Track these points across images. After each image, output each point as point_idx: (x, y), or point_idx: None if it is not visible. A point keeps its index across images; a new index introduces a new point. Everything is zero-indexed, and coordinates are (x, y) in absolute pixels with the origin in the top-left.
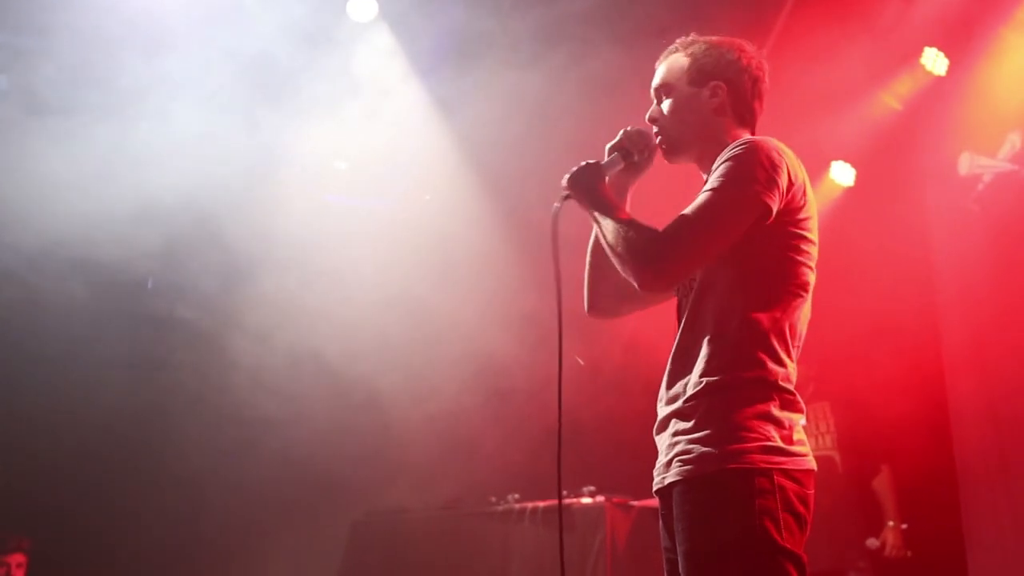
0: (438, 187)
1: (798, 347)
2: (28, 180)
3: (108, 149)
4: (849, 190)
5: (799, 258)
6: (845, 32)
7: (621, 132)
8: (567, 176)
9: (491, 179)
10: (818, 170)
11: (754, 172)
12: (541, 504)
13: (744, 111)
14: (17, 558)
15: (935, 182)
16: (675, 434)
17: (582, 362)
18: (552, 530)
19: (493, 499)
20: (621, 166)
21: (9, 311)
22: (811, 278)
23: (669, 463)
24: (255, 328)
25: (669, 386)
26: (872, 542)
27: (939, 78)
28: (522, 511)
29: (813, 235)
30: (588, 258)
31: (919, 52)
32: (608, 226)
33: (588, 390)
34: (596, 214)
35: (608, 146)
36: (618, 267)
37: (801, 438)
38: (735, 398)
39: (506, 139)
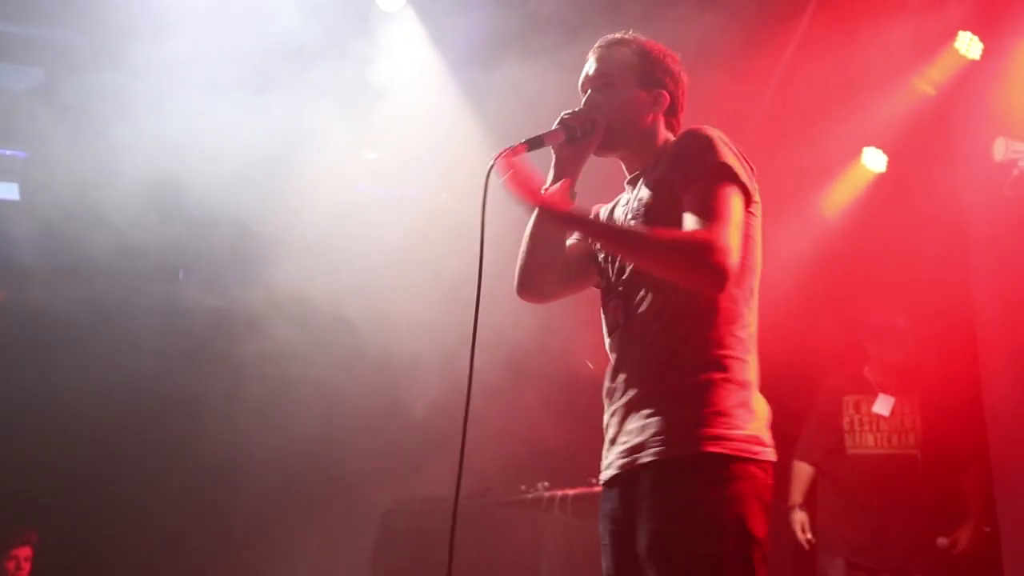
0: (468, 176)
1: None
2: (56, 170)
3: (136, 139)
4: (881, 176)
5: (757, 238)
6: (877, 17)
7: (568, 111)
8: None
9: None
10: (850, 156)
11: (737, 161)
12: (571, 492)
13: (673, 122)
14: (25, 551)
15: (969, 168)
16: (648, 415)
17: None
18: (583, 518)
19: (523, 487)
20: (562, 139)
21: (36, 303)
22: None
23: (640, 446)
24: (286, 317)
25: (636, 369)
26: (942, 541)
27: (973, 62)
28: (552, 499)
29: (759, 216)
30: (528, 243)
31: (953, 36)
32: (630, 240)
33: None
34: (603, 235)
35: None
36: (668, 277)
37: (766, 432)
38: (715, 382)
39: (535, 128)
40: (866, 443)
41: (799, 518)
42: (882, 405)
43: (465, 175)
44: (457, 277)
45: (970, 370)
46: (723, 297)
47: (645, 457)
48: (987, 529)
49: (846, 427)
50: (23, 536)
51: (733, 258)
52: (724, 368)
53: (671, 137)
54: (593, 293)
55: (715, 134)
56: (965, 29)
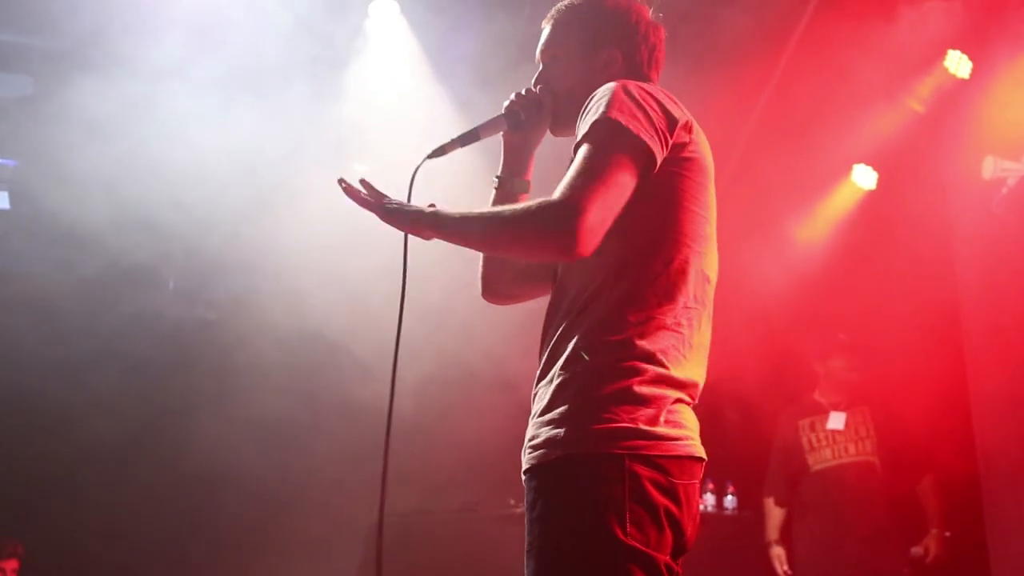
0: (457, 192)
1: (695, 309)
2: (45, 179)
3: (126, 149)
4: (871, 194)
5: (687, 204)
6: (867, 34)
7: (512, 94)
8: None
9: None
10: (840, 173)
11: (634, 113)
12: None
13: None
14: (12, 564)
15: (958, 186)
16: (533, 415)
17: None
18: None
19: (512, 501)
20: (503, 127)
21: (23, 311)
22: (706, 229)
23: (525, 449)
24: (273, 328)
25: (539, 361)
26: (916, 550)
27: (962, 81)
28: None
29: (701, 176)
30: None
31: (942, 55)
32: (480, 226)
33: None
34: (454, 230)
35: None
36: (524, 255)
37: (679, 420)
38: (590, 371)
39: None
40: (825, 457)
41: (776, 553)
42: (835, 421)
43: (459, 187)
44: (444, 293)
45: (958, 383)
46: (615, 265)
47: (524, 464)
48: (947, 534)
49: (806, 447)
50: (9, 547)
51: (590, 218)
52: (602, 351)
53: None
54: None
55: (616, 87)
56: (954, 48)
